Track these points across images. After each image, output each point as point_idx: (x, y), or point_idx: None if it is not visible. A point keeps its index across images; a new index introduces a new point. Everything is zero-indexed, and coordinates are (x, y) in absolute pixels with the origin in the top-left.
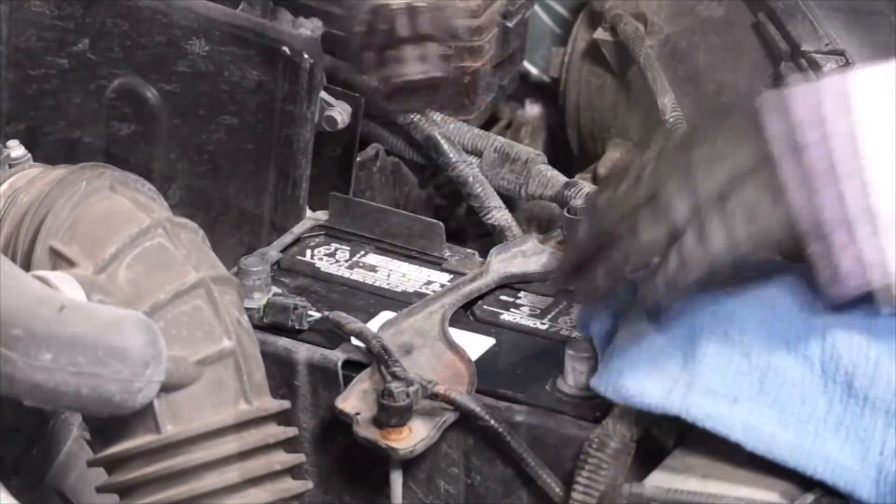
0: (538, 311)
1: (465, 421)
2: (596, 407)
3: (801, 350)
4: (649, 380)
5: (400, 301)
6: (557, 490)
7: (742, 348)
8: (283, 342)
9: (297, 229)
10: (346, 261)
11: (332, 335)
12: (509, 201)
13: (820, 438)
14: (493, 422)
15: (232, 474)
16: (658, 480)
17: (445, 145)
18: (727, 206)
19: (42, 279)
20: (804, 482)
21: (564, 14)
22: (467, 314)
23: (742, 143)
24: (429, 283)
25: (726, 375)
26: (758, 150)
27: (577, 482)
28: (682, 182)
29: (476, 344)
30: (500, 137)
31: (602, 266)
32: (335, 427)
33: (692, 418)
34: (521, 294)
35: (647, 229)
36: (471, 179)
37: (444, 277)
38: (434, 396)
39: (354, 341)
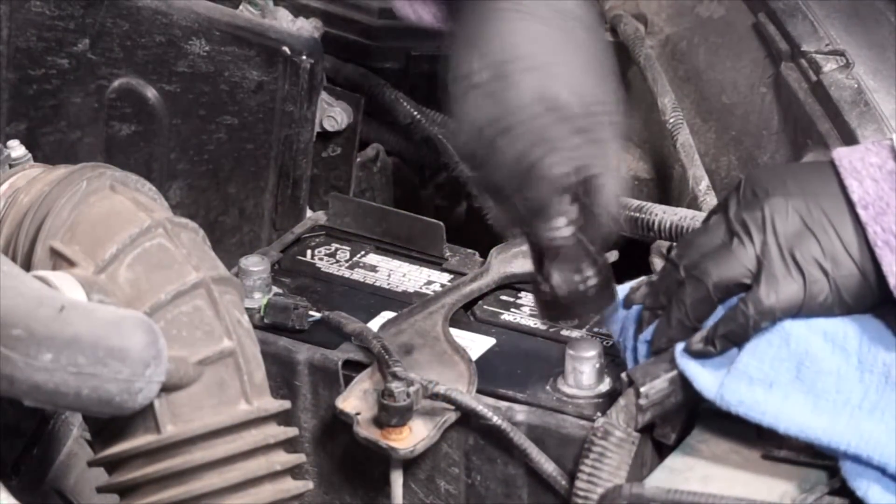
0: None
1: (466, 421)
2: (596, 407)
3: (839, 342)
4: (698, 364)
5: (400, 301)
6: (563, 482)
7: (782, 334)
8: (284, 342)
9: (298, 229)
10: (347, 261)
11: (333, 335)
12: None
13: (855, 420)
14: (495, 419)
15: (232, 474)
16: (659, 481)
17: (446, 145)
18: (800, 256)
19: (42, 279)
20: (805, 483)
21: None
22: (468, 314)
23: (822, 200)
24: (429, 283)
25: (764, 361)
26: (835, 208)
27: (581, 471)
28: (752, 228)
29: (476, 344)
30: None
31: (676, 307)
32: (336, 427)
33: (725, 405)
34: (522, 294)
35: (714, 272)
36: None
37: (445, 277)
38: (435, 396)
39: (355, 341)
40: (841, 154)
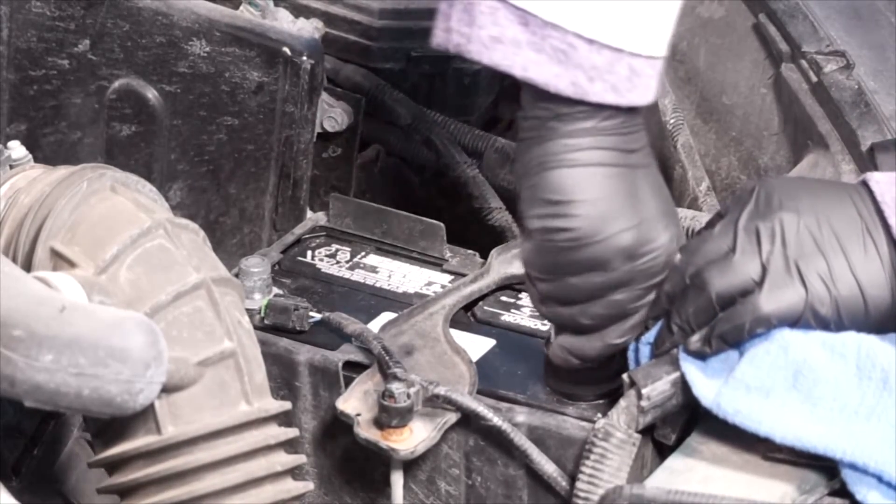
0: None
1: (466, 422)
2: (596, 408)
3: (838, 348)
4: (698, 370)
5: (401, 302)
6: (564, 483)
7: (780, 343)
8: (284, 343)
9: (298, 230)
10: (347, 262)
11: (333, 336)
12: (510, 202)
13: (851, 427)
14: (495, 420)
15: (233, 475)
16: (659, 481)
17: (446, 146)
18: (804, 268)
19: (43, 280)
20: (805, 484)
21: None
22: (468, 315)
23: (833, 220)
24: (429, 283)
25: (761, 369)
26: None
27: (582, 472)
28: (761, 239)
29: (477, 345)
30: (500, 138)
31: (678, 314)
32: (336, 428)
33: (722, 413)
34: (522, 295)
35: (717, 281)
36: (472, 180)
37: (445, 278)
38: (435, 397)
39: (355, 342)
40: (882, 188)
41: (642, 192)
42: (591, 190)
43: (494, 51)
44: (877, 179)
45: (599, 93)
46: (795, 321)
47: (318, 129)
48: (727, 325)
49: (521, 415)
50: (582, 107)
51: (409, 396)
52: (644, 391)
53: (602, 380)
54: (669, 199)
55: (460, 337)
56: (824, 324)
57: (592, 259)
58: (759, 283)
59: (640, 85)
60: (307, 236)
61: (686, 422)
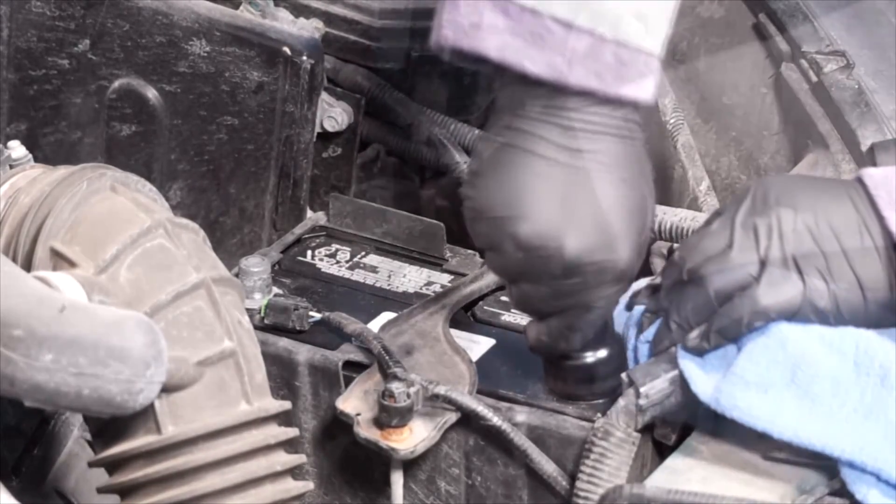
0: None
1: (466, 421)
2: (596, 407)
3: (836, 345)
4: (697, 366)
5: (400, 302)
6: (564, 483)
7: (778, 338)
8: (284, 343)
9: (298, 230)
10: (347, 261)
11: (333, 336)
12: None
13: (849, 424)
14: (495, 420)
15: (233, 475)
16: (659, 481)
17: (446, 146)
18: (803, 263)
19: (43, 280)
20: (805, 484)
21: None
22: (468, 315)
23: (831, 216)
24: (429, 283)
25: (760, 365)
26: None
27: (582, 471)
28: (759, 235)
29: (477, 344)
30: None
31: (676, 311)
32: (336, 428)
33: (721, 409)
34: None
35: (715, 278)
36: None
37: (445, 278)
38: (435, 397)
39: (355, 342)
40: (876, 181)
41: (570, 193)
42: (502, 171)
43: (472, 37)
44: (870, 174)
45: (581, 78)
46: (794, 315)
47: (318, 129)
48: (726, 320)
49: (521, 414)
50: (533, 88)
51: (409, 396)
52: (642, 390)
53: (600, 379)
54: (618, 214)
55: (460, 336)
56: (823, 317)
57: (486, 235)
58: (757, 278)
59: (630, 77)
60: (307, 236)
61: (686, 421)
